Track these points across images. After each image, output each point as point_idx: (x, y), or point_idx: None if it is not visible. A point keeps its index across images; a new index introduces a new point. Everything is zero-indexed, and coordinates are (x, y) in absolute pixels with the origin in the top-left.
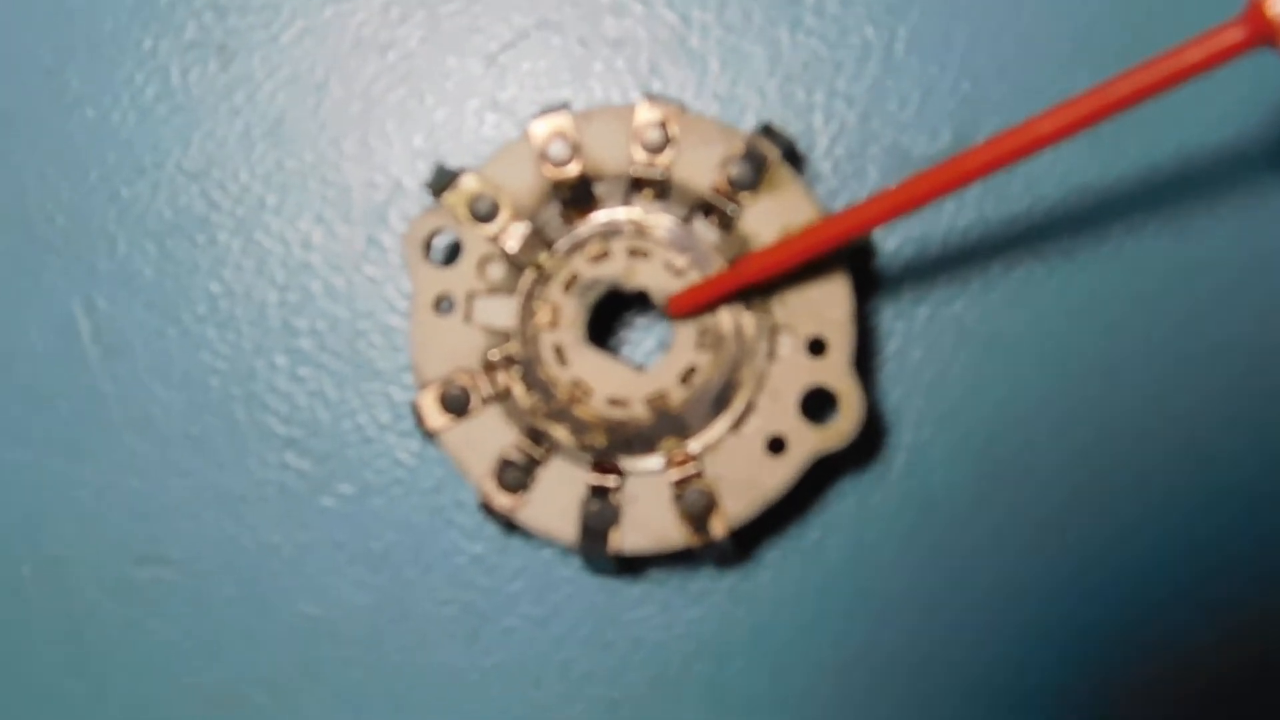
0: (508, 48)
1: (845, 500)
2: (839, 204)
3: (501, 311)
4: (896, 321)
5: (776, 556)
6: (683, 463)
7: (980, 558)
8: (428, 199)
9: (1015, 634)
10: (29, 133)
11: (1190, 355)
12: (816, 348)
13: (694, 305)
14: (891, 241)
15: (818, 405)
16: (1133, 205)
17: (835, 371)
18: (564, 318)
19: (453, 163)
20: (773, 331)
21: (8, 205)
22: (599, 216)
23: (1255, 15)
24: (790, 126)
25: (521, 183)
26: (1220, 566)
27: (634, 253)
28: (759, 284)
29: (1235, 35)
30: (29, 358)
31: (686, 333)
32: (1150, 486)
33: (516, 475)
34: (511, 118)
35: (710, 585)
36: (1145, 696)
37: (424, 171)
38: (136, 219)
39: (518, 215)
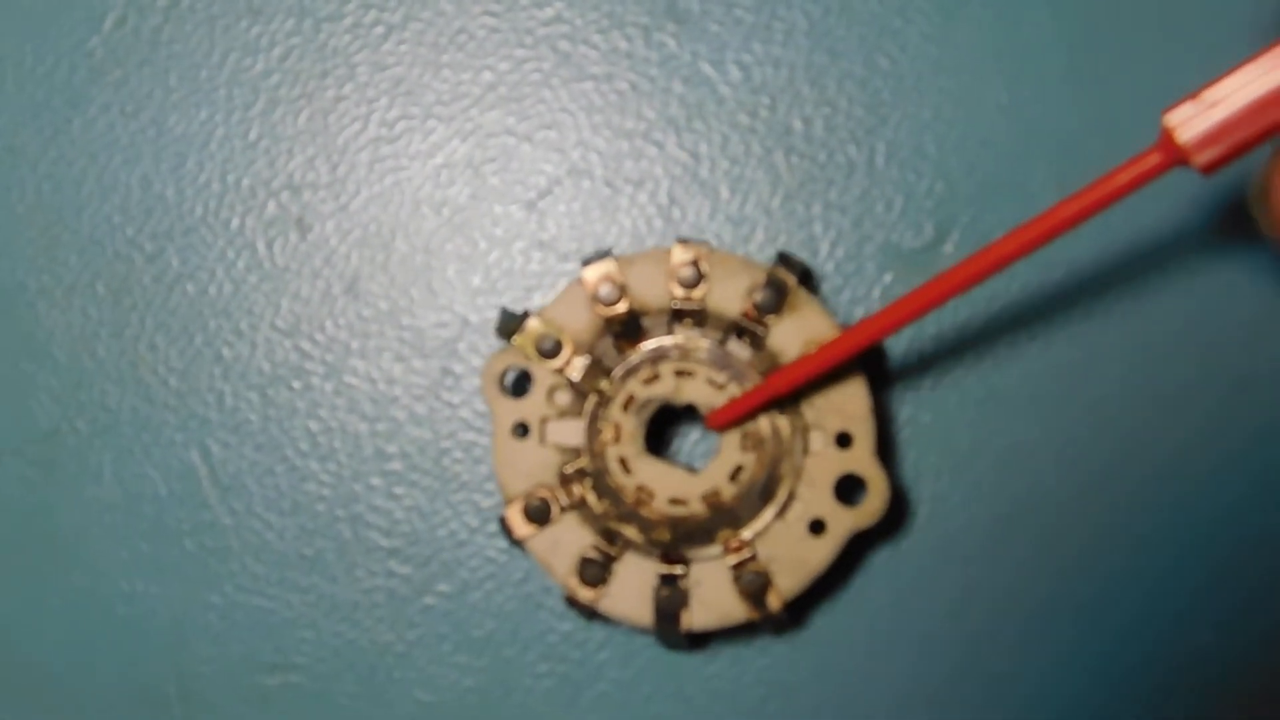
0: (544, 194)
1: (878, 549)
2: (843, 299)
3: (571, 432)
4: (906, 393)
5: (825, 605)
6: (738, 549)
7: (999, 588)
8: (491, 332)
9: (1035, 652)
10: (139, 308)
11: (1156, 395)
12: (844, 441)
13: (730, 418)
14: None
15: (849, 489)
16: (1094, 278)
17: (862, 460)
18: (625, 433)
19: (508, 298)
20: (804, 430)
21: (126, 373)
22: (648, 345)
23: (1168, 142)
24: (793, 236)
25: (579, 321)
26: (1224, 576)
27: (680, 373)
28: (786, 395)
29: (1154, 160)
30: (155, 501)
31: (731, 437)
32: (1142, 511)
33: (595, 571)
34: (554, 253)
35: (772, 636)
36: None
37: (485, 308)
38: (240, 374)
39: (578, 350)
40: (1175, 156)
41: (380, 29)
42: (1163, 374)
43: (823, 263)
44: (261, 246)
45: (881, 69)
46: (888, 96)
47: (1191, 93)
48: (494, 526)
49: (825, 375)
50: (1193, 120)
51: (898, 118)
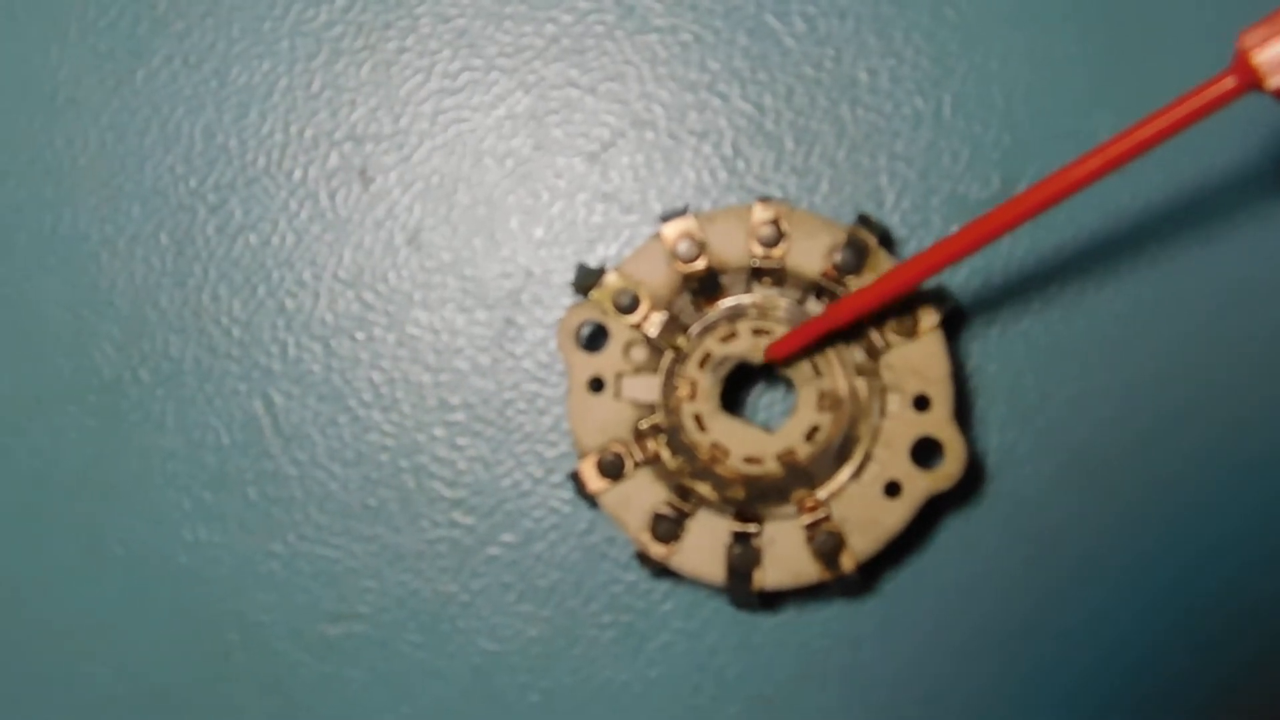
0: (608, 146)
1: (946, 501)
2: (909, 250)
3: (646, 388)
4: (972, 342)
5: (892, 559)
6: (813, 509)
7: (1067, 541)
8: (554, 283)
9: (1103, 609)
10: (202, 260)
11: (1226, 341)
12: (921, 404)
13: (790, 349)
14: (961, 274)
15: (926, 452)
16: (1161, 223)
17: (939, 423)
18: (700, 390)
19: (570, 249)
20: (882, 392)
21: (189, 323)
22: (726, 302)
23: (1243, 64)
24: (859, 188)
25: (657, 277)
26: None
27: (758, 331)
28: (847, 326)
29: (1229, 84)
30: (219, 451)
31: (808, 396)
32: (1217, 461)
33: (668, 527)
34: (618, 205)
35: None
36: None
37: (547, 259)
38: (303, 324)
39: (656, 305)
40: (1250, 80)
41: None
42: (1233, 320)
43: (889, 214)
44: (324, 197)
45: (948, 20)
46: (954, 47)
47: (1269, 15)
48: (558, 477)
49: (908, 336)
50: (1270, 41)
51: (964, 69)
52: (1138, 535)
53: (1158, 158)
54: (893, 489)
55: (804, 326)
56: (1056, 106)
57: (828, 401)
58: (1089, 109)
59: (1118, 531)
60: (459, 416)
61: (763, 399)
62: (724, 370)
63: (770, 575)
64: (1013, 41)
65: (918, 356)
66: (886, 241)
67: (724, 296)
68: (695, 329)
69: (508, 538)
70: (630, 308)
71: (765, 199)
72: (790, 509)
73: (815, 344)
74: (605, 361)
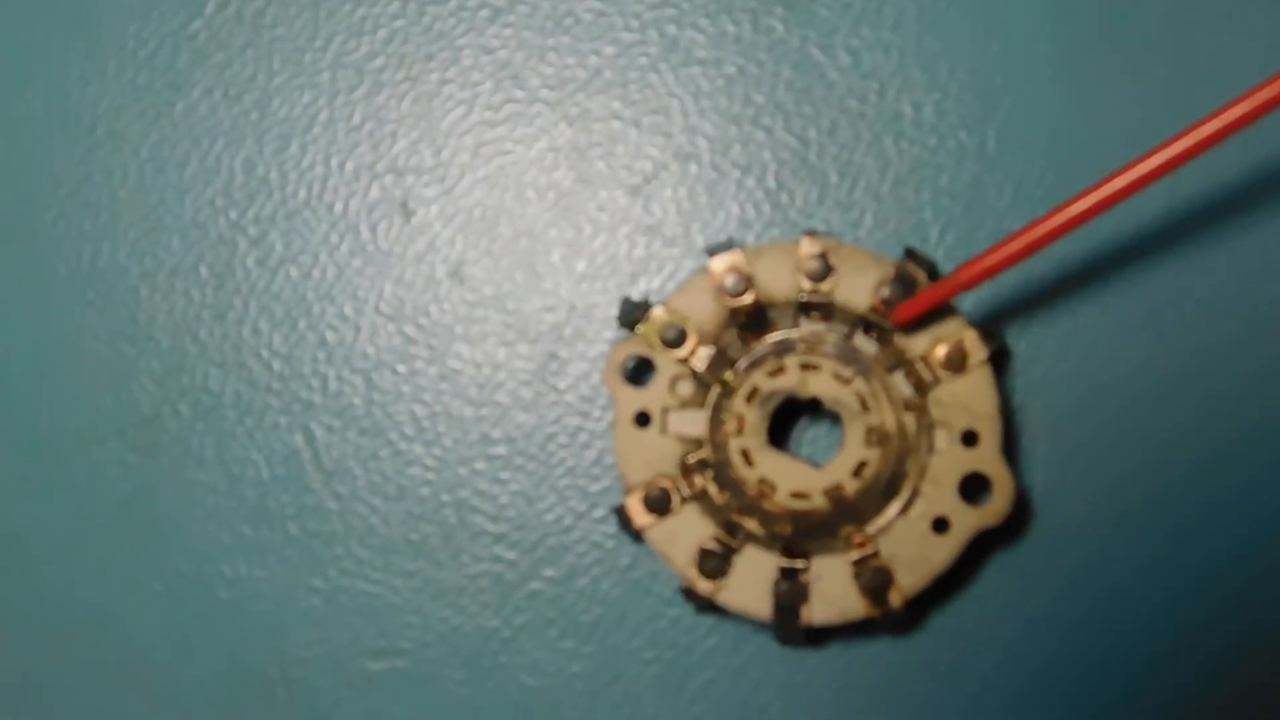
0: (650, 179)
1: (994, 537)
2: None
3: (693, 423)
4: (1016, 379)
5: (938, 596)
6: (860, 544)
7: (1114, 575)
8: (596, 317)
9: (1150, 641)
10: (242, 293)
11: (1275, 384)
12: (969, 439)
13: (917, 311)
14: (1004, 309)
15: (974, 488)
16: (1208, 264)
17: (988, 459)
18: (748, 425)
19: (613, 283)
20: (930, 428)
21: (229, 356)
22: (773, 337)
23: None
24: (903, 222)
25: (703, 312)
26: None
27: (805, 366)
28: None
29: None
30: (259, 485)
31: (856, 432)
32: (1264, 495)
33: (715, 563)
34: (660, 238)
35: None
36: None
37: (589, 293)
38: (344, 358)
39: (703, 340)
40: None
41: (486, 12)
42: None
43: (934, 249)
44: (365, 230)
45: (993, 55)
46: (999, 82)
47: None
48: (601, 512)
49: (956, 372)
50: None
51: (1009, 104)
52: (1185, 571)
53: (1202, 213)
54: (941, 525)
55: (930, 290)
56: (1101, 142)
57: (875, 437)
58: (1133, 145)
59: (1165, 568)
60: (501, 450)
61: (809, 434)
62: (771, 405)
63: (817, 611)
64: (1057, 77)
65: (966, 392)
66: (934, 276)
67: (771, 331)
68: (742, 363)
69: (550, 573)
70: (677, 342)
71: (812, 232)
72: (838, 545)
73: (938, 308)
74: (651, 396)
